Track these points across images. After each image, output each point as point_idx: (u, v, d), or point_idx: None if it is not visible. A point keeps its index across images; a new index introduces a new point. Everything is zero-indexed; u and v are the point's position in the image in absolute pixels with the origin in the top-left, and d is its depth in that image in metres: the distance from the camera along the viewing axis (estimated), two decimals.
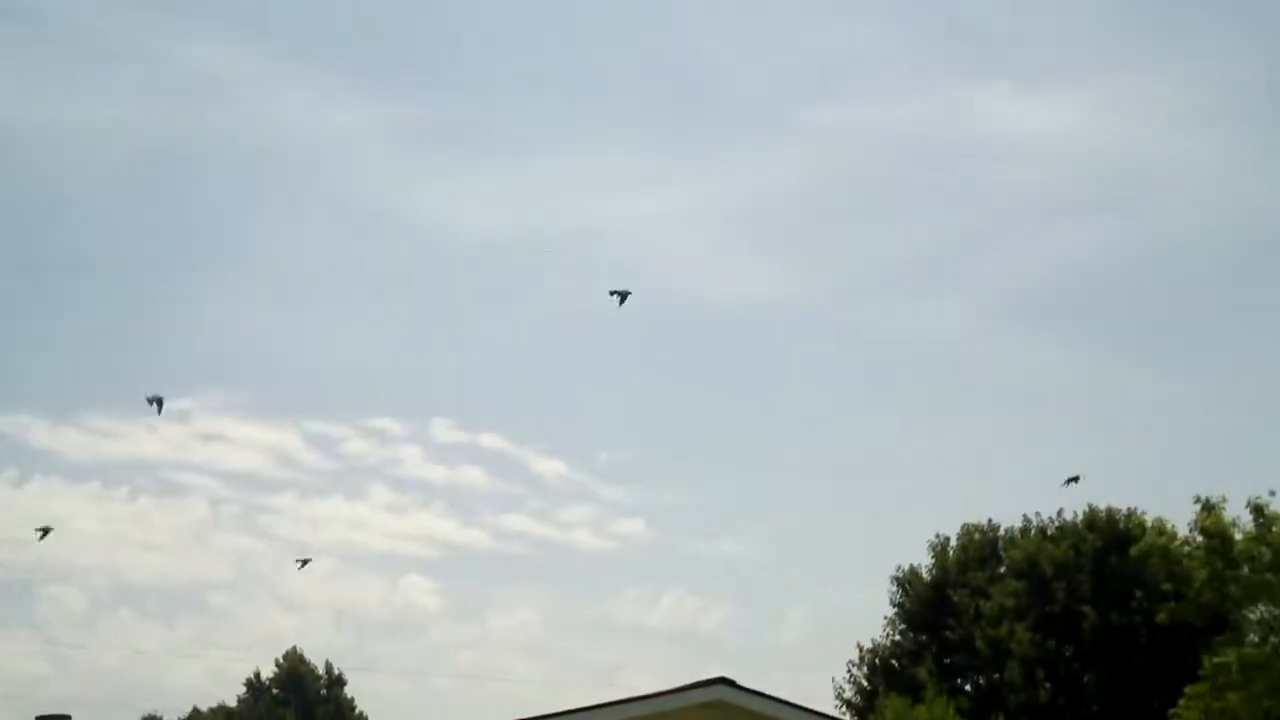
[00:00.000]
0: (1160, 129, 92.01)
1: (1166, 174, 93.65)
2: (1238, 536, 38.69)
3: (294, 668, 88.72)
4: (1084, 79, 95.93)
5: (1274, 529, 38.47)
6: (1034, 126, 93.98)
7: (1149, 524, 56.28)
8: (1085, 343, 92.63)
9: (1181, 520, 41.59)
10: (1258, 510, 38.67)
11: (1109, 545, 58.13)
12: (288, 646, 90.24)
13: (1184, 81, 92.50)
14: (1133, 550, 48.06)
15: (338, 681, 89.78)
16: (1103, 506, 60.67)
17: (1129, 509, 59.68)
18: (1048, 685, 58.11)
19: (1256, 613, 39.00)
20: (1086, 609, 58.42)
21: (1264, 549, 38.18)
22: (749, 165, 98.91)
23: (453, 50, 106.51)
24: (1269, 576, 38.07)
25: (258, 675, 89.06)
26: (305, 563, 47.72)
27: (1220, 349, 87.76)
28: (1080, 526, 60.73)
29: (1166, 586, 44.50)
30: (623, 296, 31.17)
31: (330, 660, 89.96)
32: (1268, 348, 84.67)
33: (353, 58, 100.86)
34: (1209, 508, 39.00)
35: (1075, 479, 34.79)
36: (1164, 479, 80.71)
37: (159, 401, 30.92)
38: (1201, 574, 38.99)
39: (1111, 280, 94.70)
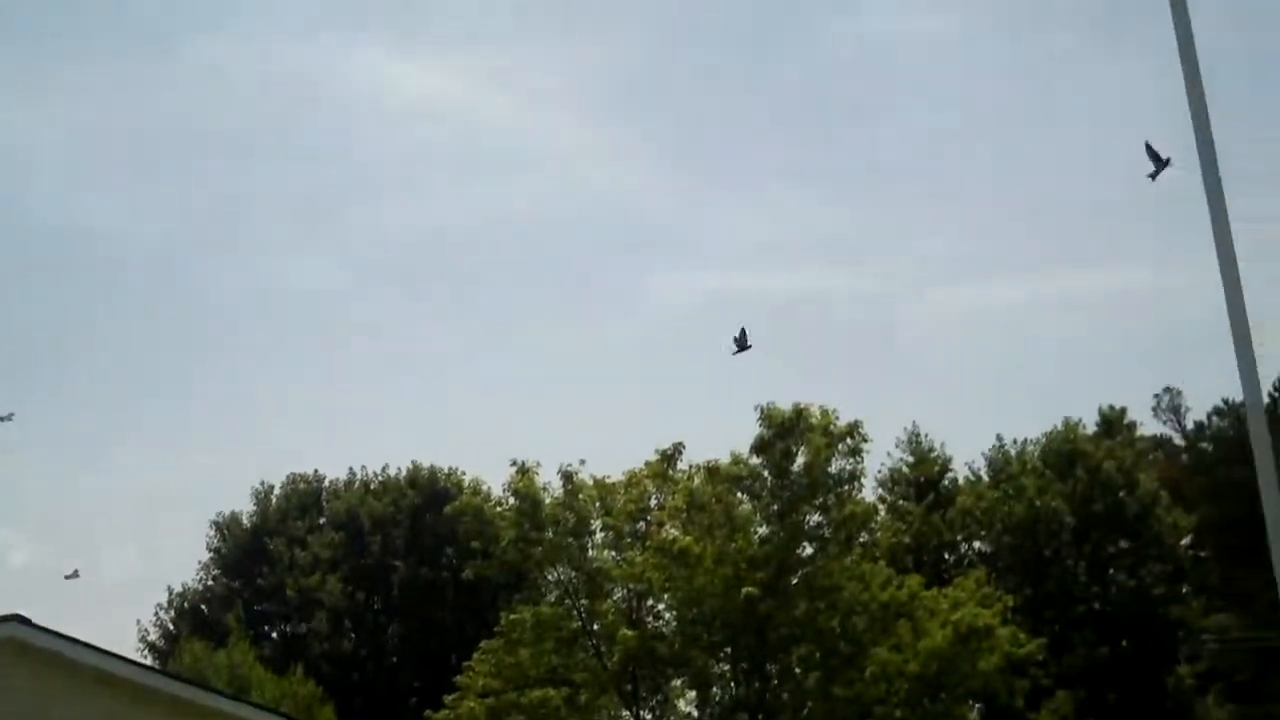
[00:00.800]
0: (529, 104, 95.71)
1: (532, 151, 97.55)
2: (547, 500, 40.57)
3: None
4: (463, 46, 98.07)
5: (580, 495, 40.71)
6: (413, 89, 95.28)
7: (467, 483, 58.36)
8: (437, 305, 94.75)
9: (500, 482, 43.21)
10: (567, 477, 40.78)
11: (428, 502, 59.90)
12: None
13: (559, 61, 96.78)
14: (448, 508, 49.55)
15: None
16: (426, 464, 62.45)
17: (451, 468, 61.74)
18: (353, 636, 59.10)
19: (555, 574, 41.09)
20: (399, 563, 59.92)
21: (569, 514, 40.31)
22: (134, 91, 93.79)
23: None
24: (570, 540, 40.22)
25: None
26: None
27: (560, 324, 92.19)
28: (403, 482, 62.21)
29: (476, 544, 46.16)
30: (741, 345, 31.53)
31: None
32: (599, 325, 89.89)
33: None
34: (523, 470, 40.69)
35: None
36: (491, 442, 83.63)
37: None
38: (510, 534, 40.60)
39: (471, 246, 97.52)
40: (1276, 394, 65.55)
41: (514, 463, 40.87)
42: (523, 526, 40.12)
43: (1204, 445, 67.93)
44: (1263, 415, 9.45)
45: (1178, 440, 71.30)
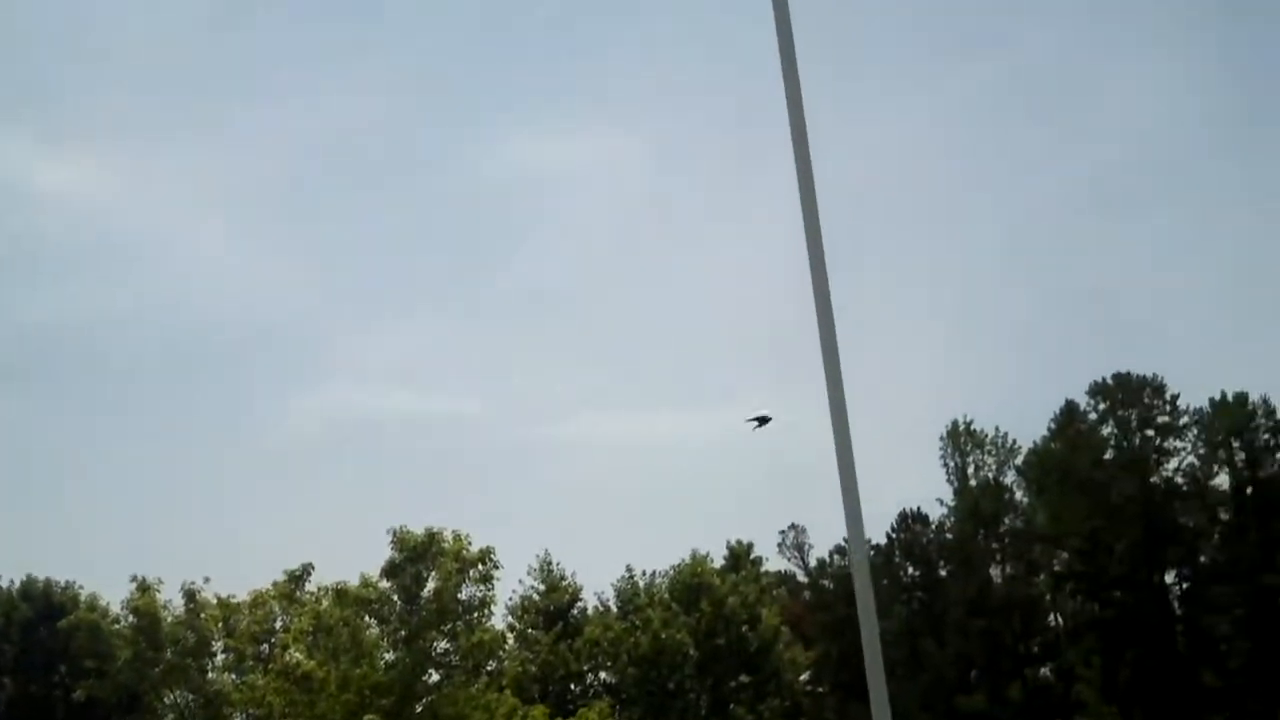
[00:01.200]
0: (162, 202, 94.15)
1: (168, 253, 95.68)
2: (168, 619, 39.42)
3: None
4: (107, 142, 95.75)
5: (203, 615, 39.71)
6: (42, 181, 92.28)
7: (84, 598, 56.05)
8: (56, 405, 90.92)
9: (119, 598, 41.74)
10: (190, 595, 39.76)
11: (41, 616, 57.22)
12: None
13: (205, 167, 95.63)
14: (62, 623, 47.53)
15: None
16: (42, 577, 59.72)
17: (68, 581, 59.17)
18: None
19: (173, 696, 39.84)
20: (7, 679, 56.98)
21: (190, 634, 39.25)
22: None
23: None
24: (189, 661, 39.12)
25: None
26: None
27: (189, 434, 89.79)
28: (15, 595, 59.34)
29: (90, 663, 44.39)
30: (761, 421, 30.27)
31: None
32: (232, 439, 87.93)
33: None
34: (144, 587, 39.48)
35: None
36: (112, 556, 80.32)
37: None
38: (126, 653, 39.26)
39: (94, 346, 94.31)
40: (893, 535, 69.13)
41: (134, 579, 39.69)
42: (140, 645, 38.91)
43: (825, 582, 70.94)
44: (865, 556, 9.98)
45: (801, 576, 74.22)
